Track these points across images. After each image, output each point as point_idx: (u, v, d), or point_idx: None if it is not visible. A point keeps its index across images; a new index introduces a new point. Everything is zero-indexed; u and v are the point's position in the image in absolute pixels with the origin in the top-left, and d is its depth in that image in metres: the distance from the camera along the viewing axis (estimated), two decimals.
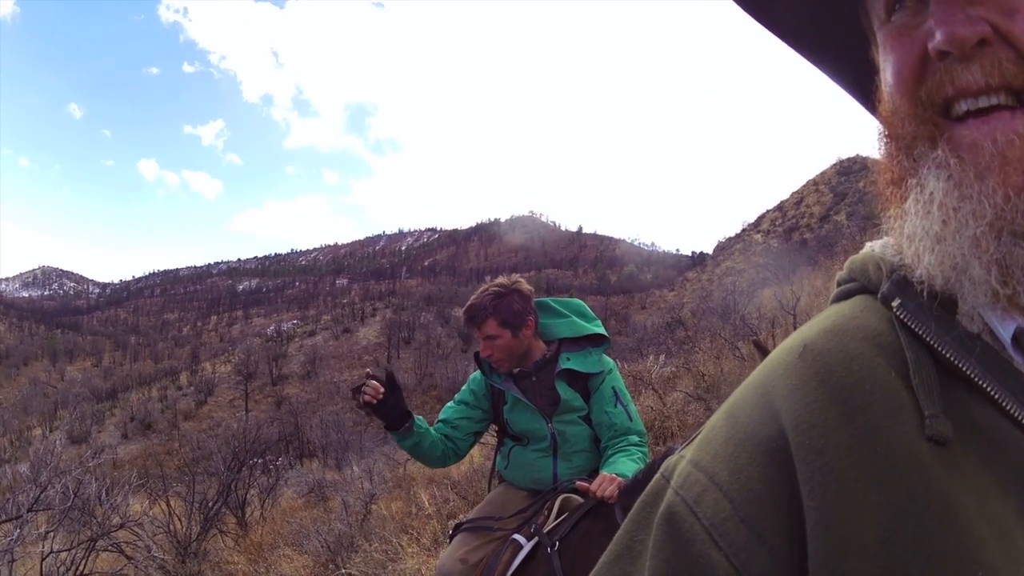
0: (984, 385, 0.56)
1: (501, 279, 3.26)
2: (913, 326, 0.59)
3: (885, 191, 0.62)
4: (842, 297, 0.70)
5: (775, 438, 0.58)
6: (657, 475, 0.67)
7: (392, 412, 3.05)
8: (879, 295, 0.63)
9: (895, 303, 0.60)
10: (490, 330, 3.11)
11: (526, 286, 3.22)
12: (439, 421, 3.37)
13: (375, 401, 2.97)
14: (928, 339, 0.58)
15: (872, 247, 0.69)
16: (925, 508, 0.51)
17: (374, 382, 2.98)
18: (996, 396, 0.55)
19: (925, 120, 0.58)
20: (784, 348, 0.66)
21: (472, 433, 3.37)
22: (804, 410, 0.57)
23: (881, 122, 0.61)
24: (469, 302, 3.22)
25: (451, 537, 3.22)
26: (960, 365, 0.57)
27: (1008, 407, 0.55)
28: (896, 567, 0.50)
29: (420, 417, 3.18)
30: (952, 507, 0.51)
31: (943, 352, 0.57)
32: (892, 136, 0.60)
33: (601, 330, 3.28)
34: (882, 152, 0.62)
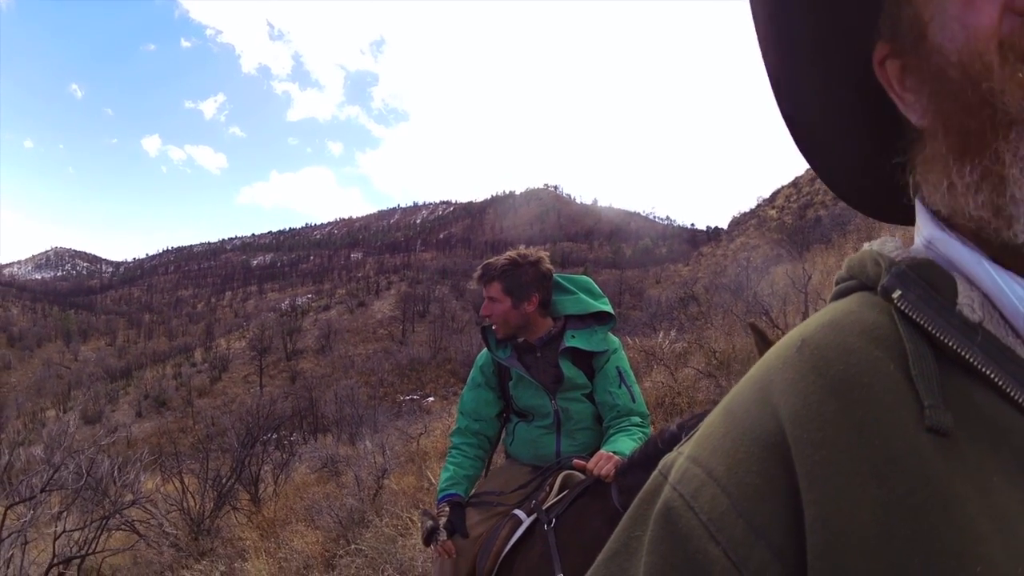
0: (987, 371, 0.56)
1: (526, 249, 3.27)
2: (914, 316, 0.59)
3: (935, 157, 0.60)
4: (841, 295, 0.70)
5: (773, 432, 0.58)
6: (655, 472, 0.67)
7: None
8: (879, 288, 0.63)
9: (896, 294, 0.60)
10: (493, 292, 3.14)
11: (547, 265, 3.23)
12: (460, 414, 3.40)
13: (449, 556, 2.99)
14: (930, 328, 0.58)
15: (870, 245, 0.69)
16: (924, 502, 0.51)
17: (448, 543, 2.97)
18: (999, 382, 0.55)
19: (1015, 76, 0.55)
20: (782, 344, 0.66)
21: (495, 417, 3.40)
22: (802, 404, 0.58)
23: (935, 82, 0.58)
24: (487, 260, 3.25)
25: None
26: (962, 352, 0.57)
27: (1012, 393, 0.55)
28: (895, 561, 0.50)
29: (465, 484, 3.24)
30: (952, 500, 0.51)
31: (945, 340, 0.57)
32: (964, 95, 0.56)
33: (608, 308, 3.27)
34: (935, 115, 0.59)
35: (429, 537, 2.99)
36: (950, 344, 0.57)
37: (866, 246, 0.70)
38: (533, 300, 3.16)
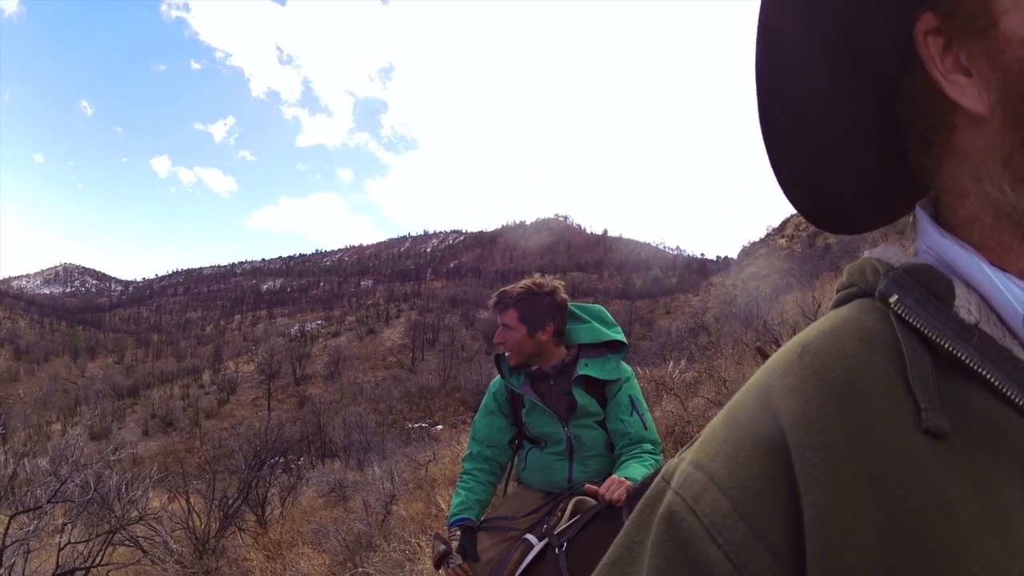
0: (984, 372, 0.56)
1: (542, 279, 3.27)
2: (911, 320, 0.59)
3: (993, 147, 0.58)
4: (841, 303, 0.70)
5: (774, 437, 0.58)
6: (657, 477, 0.67)
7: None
8: (876, 293, 0.63)
9: (892, 299, 0.61)
10: (508, 320, 3.14)
11: (562, 295, 3.23)
12: (473, 439, 3.41)
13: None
14: (926, 331, 0.58)
15: (870, 252, 0.69)
16: (921, 504, 0.51)
17: (462, 566, 2.97)
18: (996, 383, 0.56)
19: None
20: (783, 351, 0.66)
21: (508, 443, 3.41)
22: (802, 408, 0.58)
23: (1009, 72, 0.56)
24: (503, 288, 3.24)
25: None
26: (958, 354, 0.57)
27: (1009, 394, 0.55)
28: (893, 563, 0.50)
29: (476, 508, 3.24)
30: (949, 502, 0.51)
31: (941, 342, 0.58)
32: None
33: (620, 337, 3.27)
34: (1005, 105, 0.57)
35: (441, 560, 2.99)
36: (946, 346, 0.58)
37: (866, 253, 0.70)
38: (548, 329, 3.16)
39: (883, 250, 0.68)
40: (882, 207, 0.76)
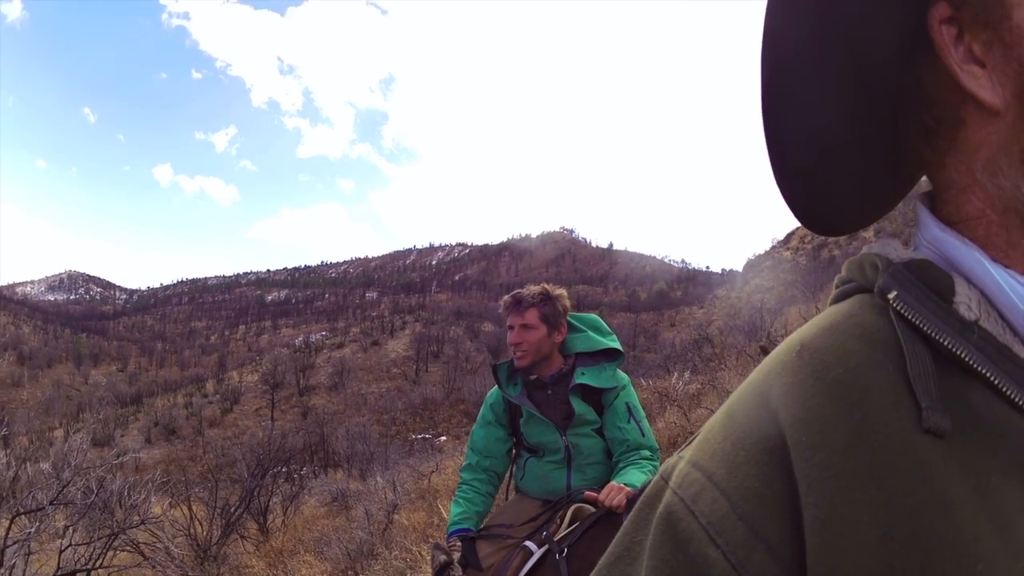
0: (983, 370, 0.56)
1: (548, 285, 3.30)
2: (910, 316, 0.59)
3: (1009, 140, 0.58)
4: (840, 298, 0.70)
5: (773, 436, 0.58)
6: (656, 477, 0.67)
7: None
8: (875, 289, 0.63)
9: (892, 295, 0.60)
10: (530, 319, 3.15)
11: (567, 301, 3.27)
12: (471, 450, 3.42)
13: None
14: (925, 327, 0.58)
15: (870, 248, 0.68)
16: (923, 503, 0.51)
17: (462, 574, 3.00)
18: (996, 381, 0.55)
19: None
20: (782, 348, 0.66)
21: (506, 453, 3.43)
22: (801, 407, 0.58)
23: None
24: (517, 291, 3.27)
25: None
26: (958, 351, 0.57)
27: (1008, 392, 0.55)
28: (895, 563, 0.50)
29: (475, 519, 3.26)
30: (950, 501, 0.51)
31: (941, 340, 0.57)
32: None
33: (616, 345, 3.30)
34: (1020, 98, 0.56)
35: (441, 571, 2.99)
36: (946, 343, 0.57)
37: (865, 248, 0.70)
38: (562, 330, 3.21)
39: (882, 245, 0.67)
40: (874, 205, 0.75)
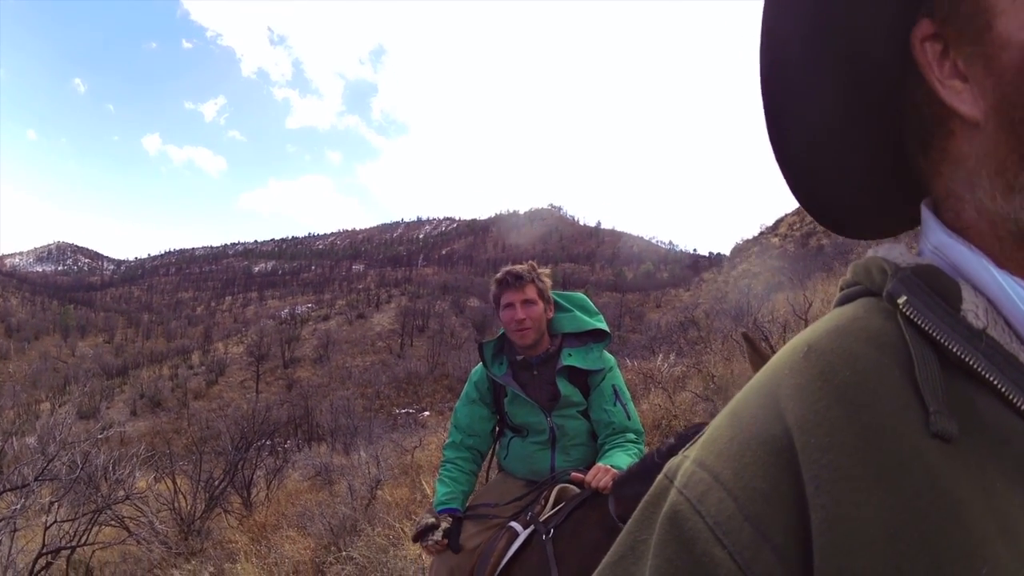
0: (990, 378, 0.56)
1: (533, 263, 3.29)
2: (919, 322, 0.59)
3: (986, 154, 0.59)
4: (845, 301, 0.70)
5: (780, 437, 0.58)
6: (660, 476, 0.67)
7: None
8: (884, 293, 0.63)
9: (901, 300, 0.60)
10: (530, 294, 3.13)
11: (549, 280, 3.26)
12: (454, 428, 3.40)
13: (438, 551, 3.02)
14: (934, 334, 0.58)
15: (875, 251, 0.69)
16: (930, 505, 0.51)
17: (440, 543, 3.00)
18: (1003, 389, 0.56)
19: None
20: (788, 349, 0.66)
21: (489, 432, 3.42)
22: (809, 409, 0.58)
23: (1003, 77, 0.57)
24: (509, 267, 3.23)
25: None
26: (966, 359, 0.57)
27: (1015, 400, 0.55)
28: (902, 564, 0.50)
29: (461, 498, 3.25)
30: (957, 503, 0.51)
31: (949, 346, 0.58)
32: None
33: (603, 326, 3.28)
34: (998, 111, 0.57)
35: (422, 534, 3.00)
36: (954, 350, 0.57)
37: (871, 252, 0.70)
38: (552, 307, 3.22)
39: (888, 249, 0.68)
40: (887, 210, 0.76)
